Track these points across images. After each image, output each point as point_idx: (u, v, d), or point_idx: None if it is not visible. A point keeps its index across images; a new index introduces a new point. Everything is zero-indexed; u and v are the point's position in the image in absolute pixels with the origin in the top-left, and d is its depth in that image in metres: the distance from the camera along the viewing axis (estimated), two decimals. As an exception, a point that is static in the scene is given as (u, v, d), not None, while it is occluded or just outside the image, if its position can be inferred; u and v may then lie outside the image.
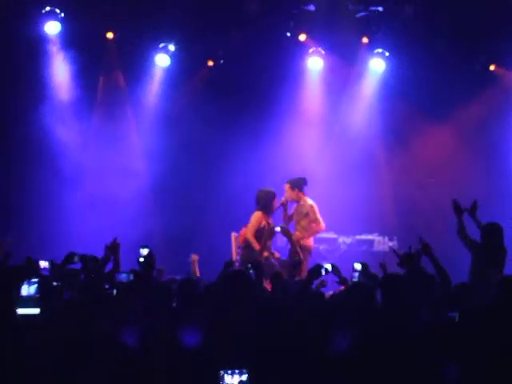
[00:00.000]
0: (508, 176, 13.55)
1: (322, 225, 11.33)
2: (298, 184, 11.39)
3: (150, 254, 7.24)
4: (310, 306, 6.13)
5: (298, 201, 11.43)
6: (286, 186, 11.41)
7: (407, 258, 6.44)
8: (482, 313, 5.64)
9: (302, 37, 13.32)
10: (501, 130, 13.54)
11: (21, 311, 5.91)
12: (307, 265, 10.21)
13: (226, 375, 4.78)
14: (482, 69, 13.64)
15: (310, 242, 11.38)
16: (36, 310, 6.06)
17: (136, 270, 7.14)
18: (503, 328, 5.42)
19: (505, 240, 9.00)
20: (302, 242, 11.01)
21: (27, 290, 6.26)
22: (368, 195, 13.35)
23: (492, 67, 13.63)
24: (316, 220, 11.29)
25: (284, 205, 11.39)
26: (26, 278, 6.31)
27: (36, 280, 6.32)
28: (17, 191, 12.94)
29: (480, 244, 8.98)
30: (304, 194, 11.42)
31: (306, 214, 11.33)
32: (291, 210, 11.48)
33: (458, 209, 9.18)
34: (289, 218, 11.44)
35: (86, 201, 13.04)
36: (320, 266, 6.84)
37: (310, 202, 11.39)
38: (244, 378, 4.80)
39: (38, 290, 6.22)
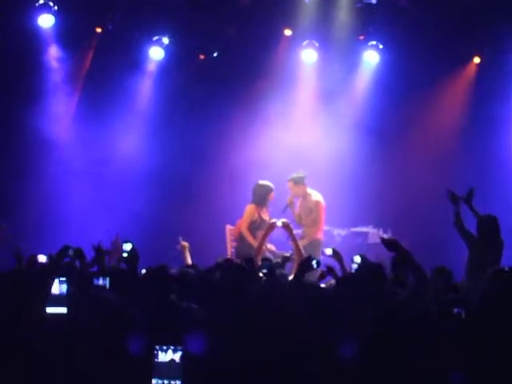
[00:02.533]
0: (501, 164, 13.59)
1: (318, 232, 11.30)
2: (301, 179, 11.38)
3: (133, 248, 7.22)
4: (301, 299, 6.14)
5: (303, 195, 11.46)
6: (290, 184, 11.36)
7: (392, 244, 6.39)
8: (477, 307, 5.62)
9: (288, 32, 13.35)
10: (492, 121, 13.56)
11: (49, 310, 5.84)
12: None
13: (160, 352, 4.78)
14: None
15: (320, 235, 11.38)
16: (63, 309, 5.91)
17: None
18: (498, 322, 5.40)
19: (501, 231, 9.02)
20: (312, 236, 11.11)
21: (58, 288, 6.10)
22: (363, 187, 13.35)
23: (476, 60, 13.68)
24: (315, 223, 11.29)
25: (290, 204, 11.36)
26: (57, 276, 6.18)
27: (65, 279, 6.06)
28: (15, 183, 12.95)
29: (476, 237, 8.98)
30: (307, 187, 11.45)
31: (311, 210, 11.37)
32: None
33: (454, 198, 9.15)
34: (298, 216, 11.44)
35: (84, 194, 13.06)
36: (310, 259, 6.85)
37: (315, 197, 11.40)
38: (177, 355, 4.80)
39: (68, 288, 6.01)
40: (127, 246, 7.48)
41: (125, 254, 7.31)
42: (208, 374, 5.13)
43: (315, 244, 10.94)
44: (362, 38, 13.36)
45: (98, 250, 7.26)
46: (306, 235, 11.16)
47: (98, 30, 13.19)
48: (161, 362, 4.74)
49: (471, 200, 9.20)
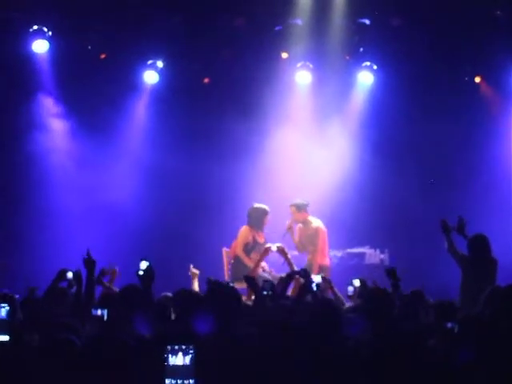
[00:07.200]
0: (496, 186, 13.56)
1: (323, 258, 11.40)
2: (304, 206, 11.44)
3: (149, 267, 7.14)
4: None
5: (303, 222, 11.48)
6: (292, 209, 11.43)
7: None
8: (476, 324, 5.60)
9: (284, 55, 13.40)
10: (488, 142, 13.56)
11: None
12: None
13: (170, 355, 4.73)
14: (470, 80, 13.74)
15: (326, 260, 11.48)
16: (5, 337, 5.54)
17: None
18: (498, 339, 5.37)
19: (492, 250, 9.02)
20: (320, 262, 11.22)
21: None
22: (359, 208, 13.34)
23: (477, 79, 13.71)
24: (315, 249, 11.36)
25: (290, 229, 11.42)
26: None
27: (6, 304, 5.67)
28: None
29: (468, 258, 8.97)
30: (308, 215, 11.49)
31: (312, 237, 11.39)
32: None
33: (446, 229, 9.16)
34: (299, 244, 11.50)
35: (78, 218, 13.07)
36: (310, 282, 6.90)
37: (315, 223, 11.46)
38: (188, 358, 4.78)
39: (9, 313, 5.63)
40: (143, 265, 7.31)
41: (140, 272, 7.18)
42: (221, 371, 5.19)
43: (324, 270, 11.02)
44: (347, 58, 13.39)
45: (77, 275, 7.12)
46: (309, 262, 11.20)
47: (98, 55, 13.22)
48: (172, 366, 4.75)
49: (463, 229, 9.19)
